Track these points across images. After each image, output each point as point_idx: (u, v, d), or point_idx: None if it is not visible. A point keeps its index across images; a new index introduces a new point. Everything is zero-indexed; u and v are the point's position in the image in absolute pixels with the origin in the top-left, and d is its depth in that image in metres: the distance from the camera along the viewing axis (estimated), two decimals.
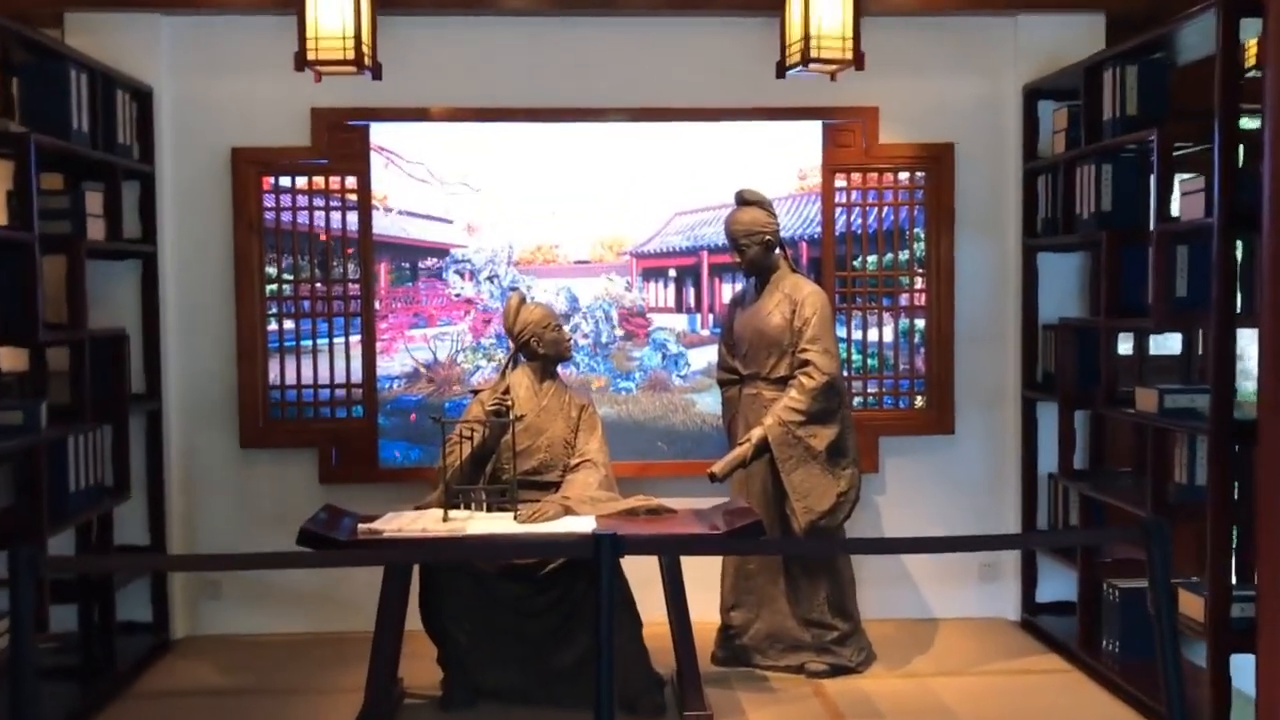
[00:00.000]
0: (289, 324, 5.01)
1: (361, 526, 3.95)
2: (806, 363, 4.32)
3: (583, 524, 4.02)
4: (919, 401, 5.13)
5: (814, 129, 5.04)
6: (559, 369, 4.56)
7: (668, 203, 5.06)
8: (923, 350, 5.12)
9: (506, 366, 4.50)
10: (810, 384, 4.29)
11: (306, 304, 5.01)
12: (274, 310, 4.99)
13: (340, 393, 5.03)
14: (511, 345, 4.49)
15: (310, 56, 4.04)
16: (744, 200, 4.48)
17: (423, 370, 5.05)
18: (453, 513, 4.11)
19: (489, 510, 4.23)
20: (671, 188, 5.05)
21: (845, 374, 4.77)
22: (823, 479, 4.33)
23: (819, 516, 4.31)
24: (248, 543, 4.96)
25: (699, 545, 3.94)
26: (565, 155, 5.02)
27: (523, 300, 4.51)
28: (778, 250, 4.51)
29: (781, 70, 4.29)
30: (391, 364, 5.04)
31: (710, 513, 4.18)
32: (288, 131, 4.94)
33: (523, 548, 3.81)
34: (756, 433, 4.31)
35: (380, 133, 4.97)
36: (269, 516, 4.99)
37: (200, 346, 4.99)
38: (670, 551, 3.80)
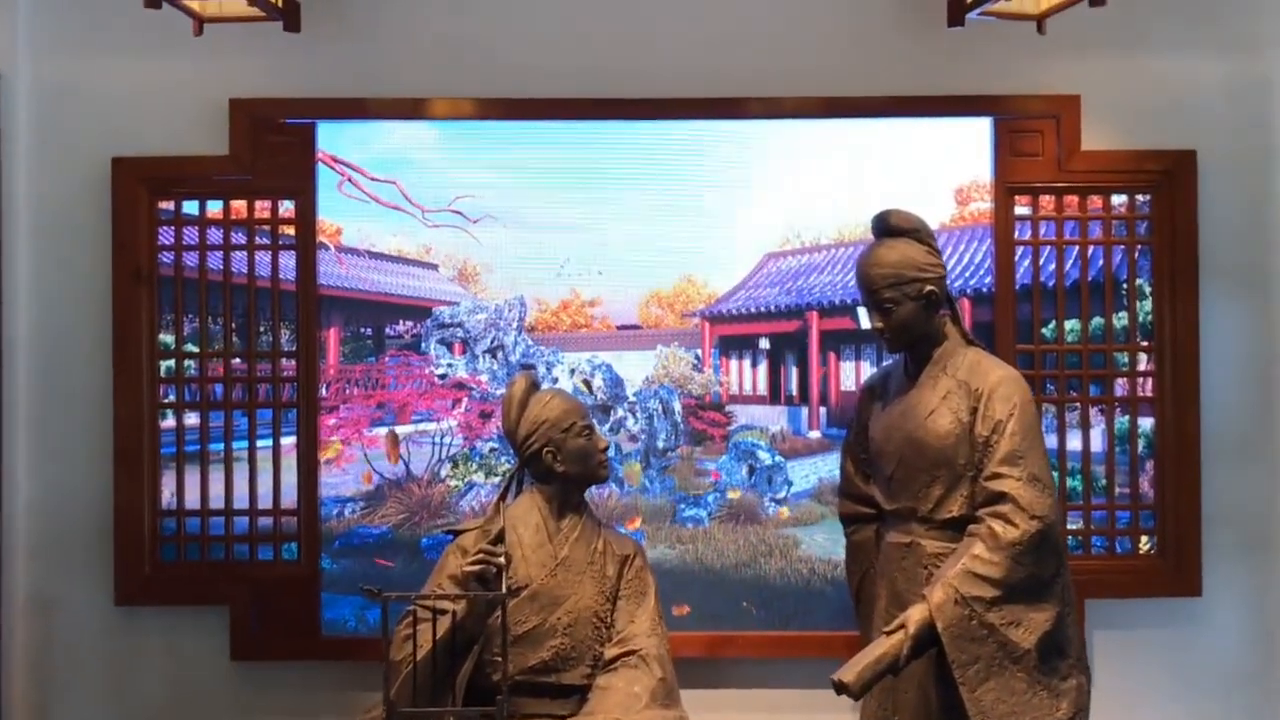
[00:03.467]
0: (192, 418, 3.36)
1: None
2: (1001, 496, 2.57)
3: None
4: (1145, 544, 3.35)
5: (980, 129, 3.35)
6: (588, 494, 2.87)
7: (757, 239, 3.37)
8: (1150, 465, 3.34)
9: (503, 493, 2.81)
10: (1010, 535, 2.53)
11: (218, 389, 3.36)
12: (170, 398, 3.35)
13: (265, 522, 3.35)
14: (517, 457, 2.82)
15: None
16: (890, 228, 2.76)
17: (389, 489, 3.37)
18: None
19: None
20: (763, 217, 3.36)
21: None
22: (1031, 699, 2.55)
23: None
24: None
25: None
26: (606, 168, 3.36)
27: (533, 386, 2.83)
28: (943, 309, 2.78)
29: (958, 13, 2.61)
30: (343, 479, 3.37)
31: None
32: (194, 134, 3.34)
33: None
34: (915, 614, 2.55)
35: (332, 136, 3.35)
36: (159, 710, 3.34)
37: (60, 451, 3.36)
38: None
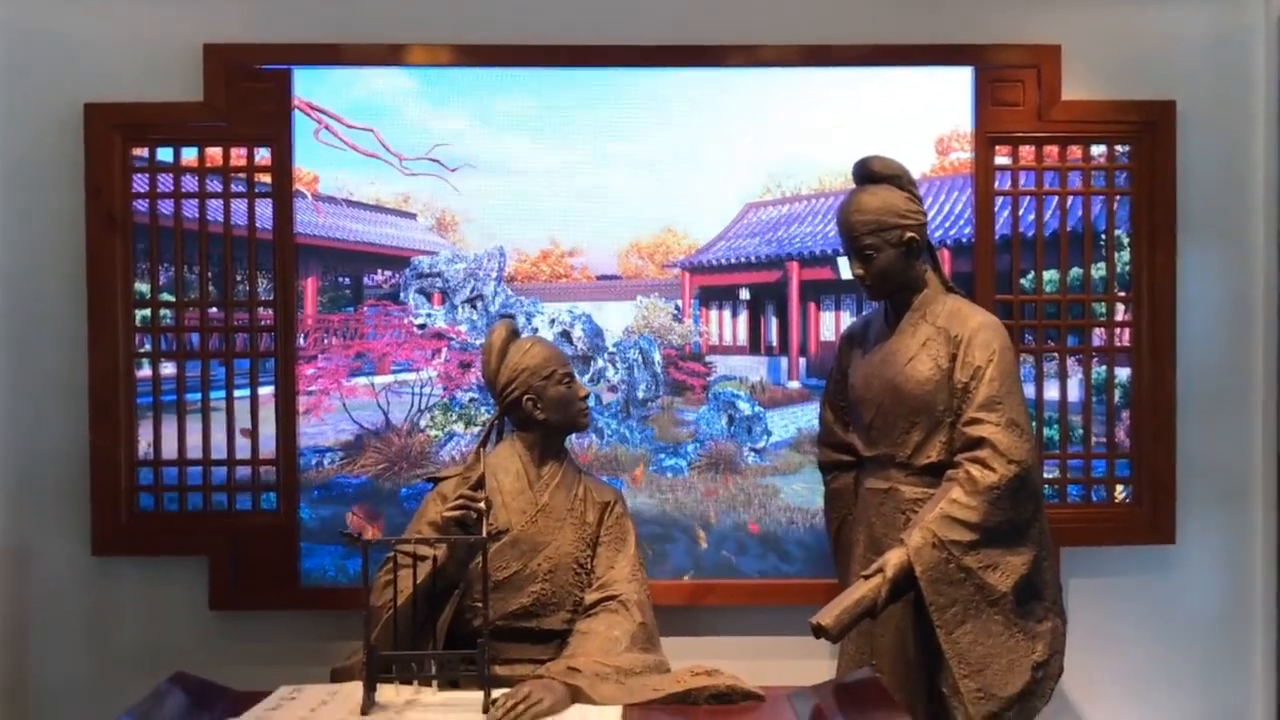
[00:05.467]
0: (168, 368, 3.34)
1: None
2: (979, 441, 2.59)
3: None
4: (1120, 493, 3.38)
5: (961, 79, 3.33)
6: (569, 443, 2.86)
7: (737, 188, 3.36)
8: (1126, 415, 3.37)
9: (484, 440, 2.80)
10: (988, 479, 2.56)
11: (195, 339, 3.33)
12: (146, 347, 3.32)
13: (243, 472, 3.34)
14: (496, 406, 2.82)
15: None
16: (871, 174, 2.76)
17: (369, 439, 3.36)
18: (384, 694, 2.40)
19: (444, 687, 2.51)
20: (743, 167, 3.35)
21: None
22: (1007, 640, 2.59)
23: (1004, 706, 2.56)
24: (107, 701, 3.26)
25: None
26: (585, 116, 3.34)
27: (513, 334, 2.82)
28: (923, 256, 2.79)
29: None
30: (322, 429, 3.36)
31: (816, 696, 2.44)
32: (169, 80, 3.28)
33: None
34: (893, 558, 2.57)
35: (308, 83, 3.31)
36: (137, 660, 3.31)
37: (36, 400, 3.33)
38: None
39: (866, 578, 2.58)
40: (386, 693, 2.41)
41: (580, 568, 2.74)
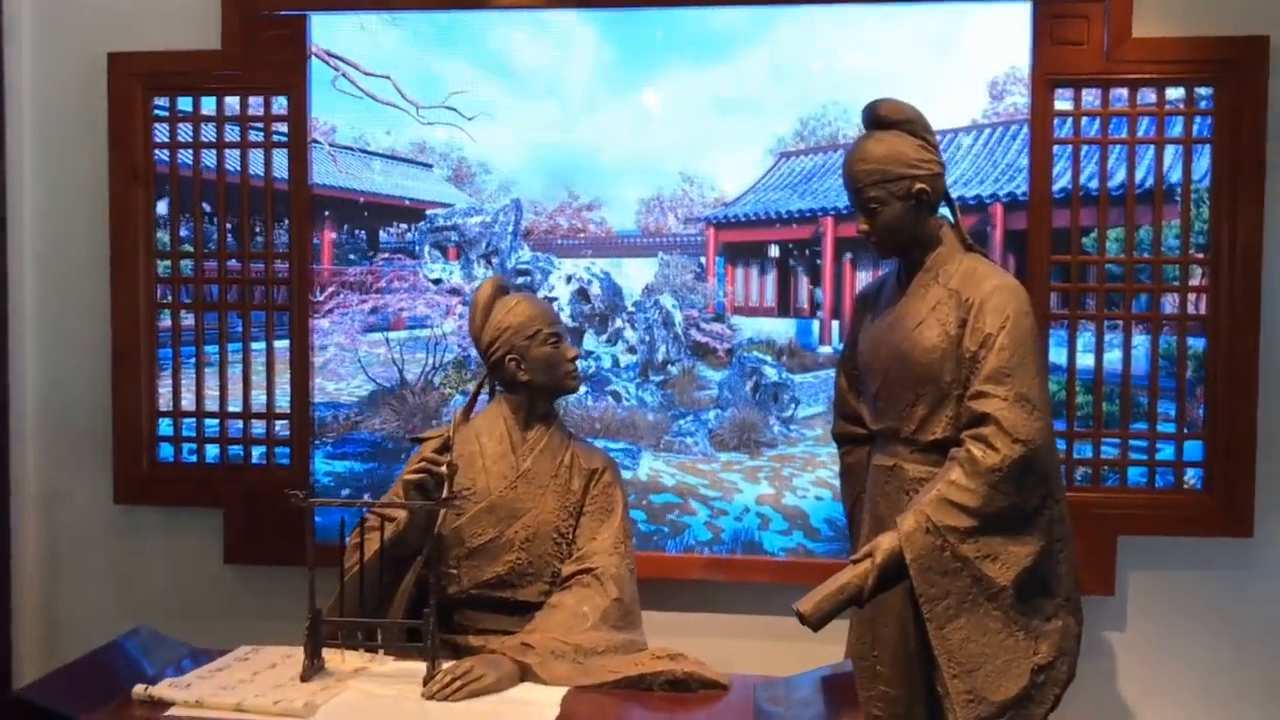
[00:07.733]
0: (188, 319, 3.32)
1: (139, 690, 2.19)
2: (984, 418, 2.31)
3: (540, 706, 2.15)
4: (1189, 478, 3.02)
5: (1018, 15, 3.01)
6: (556, 406, 2.71)
7: (767, 138, 3.12)
8: (1200, 390, 3.00)
9: (471, 401, 2.68)
10: (989, 460, 2.28)
11: (214, 290, 3.31)
12: (167, 299, 3.32)
13: (257, 426, 3.31)
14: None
15: None
16: (878, 119, 2.49)
17: (384, 395, 3.28)
18: (331, 662, 2.32)
19: (398, 657, 2.40)
20: (775, 114, 3.11)
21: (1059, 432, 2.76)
22: (1006, 639, 2.32)
23: (995, 712, 2.30)
24: None
25: None
26: (606, 62, 3.15)
27: (500, 290, 2.67)
28: (939, 211, 2.51)
29: None
30: (337, 384, 3.29)
31: (781, 689, 2.23)
32: (189, 29, 3.25)
33: None
34: (884, 543, 2.33)
35: (326, 29, 3.22)
36: (156, 606, 3.34)
37: (65, 346, 3.37)
38: None
39: (855, 562, 2.36)
40: (335, 659, 2.33)
41: (561, 537, 2.59)
